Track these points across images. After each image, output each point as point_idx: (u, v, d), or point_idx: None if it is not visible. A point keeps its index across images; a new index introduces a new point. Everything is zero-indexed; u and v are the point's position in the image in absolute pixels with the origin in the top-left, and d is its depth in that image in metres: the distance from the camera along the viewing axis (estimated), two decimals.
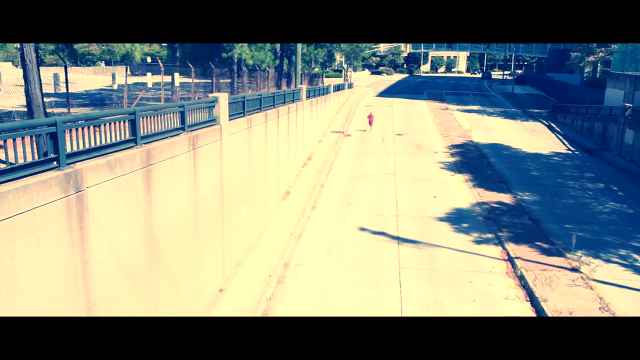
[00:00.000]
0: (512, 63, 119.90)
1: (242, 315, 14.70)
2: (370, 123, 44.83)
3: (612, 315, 15.10)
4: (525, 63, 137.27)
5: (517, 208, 25.13)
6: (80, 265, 8.76)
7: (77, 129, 9.03)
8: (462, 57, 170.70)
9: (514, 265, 18.60)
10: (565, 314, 14.87)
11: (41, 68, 17.52)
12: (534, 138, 44.16)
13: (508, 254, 19.60)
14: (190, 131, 13.67)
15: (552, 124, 50.53)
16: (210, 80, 28.37)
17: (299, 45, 37.43)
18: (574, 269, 18.09)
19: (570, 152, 39.24)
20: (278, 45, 44.71)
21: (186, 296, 13.56)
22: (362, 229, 22.27)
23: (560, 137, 45.04)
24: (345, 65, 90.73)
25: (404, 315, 15.16)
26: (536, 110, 60.43)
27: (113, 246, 9.83)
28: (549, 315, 14.83)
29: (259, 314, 15.01)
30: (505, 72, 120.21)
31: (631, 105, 38.19)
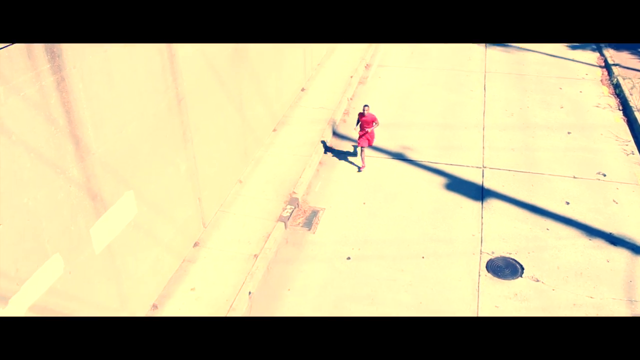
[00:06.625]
0: None
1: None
2: (365, 136, 12.96)
3: None
4: None
5: None
6: (167, 60, 8.97)
7: None
8: None
9: (610, 73, 17.47)
10: None
11: None
12: None
13: (605, 61, 18.31)
14: None
15: None
16: None
17: None
18: None
19: None
20: None
21: (269, 94, 13.87)
22: None
23: None
24: None
25: (486, 118, 14.98)
26: None
27: None
28: None
29: (340, 113, 15.26)
30: None
31: None
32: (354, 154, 13.66)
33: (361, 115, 12.79)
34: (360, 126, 12.85)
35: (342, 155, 13.68)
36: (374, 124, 12.69)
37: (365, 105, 12.63)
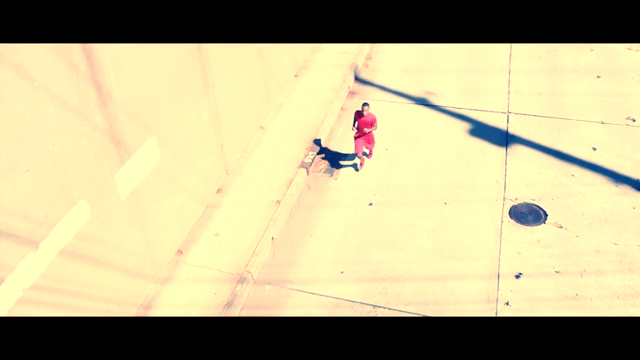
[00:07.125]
0: None
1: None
2: (363, 138, 11.05)
3: None
4: None
5: None
6: None
7: None
8: None
9: None
10: None
11: None
12: None
13: None
14: None
15: None
16: None
17: None
18: None
19: None
20: None
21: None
22: None
23: None
24: None
25: (512, 61, 14.59)
26: None
27: None
28: None
29: (362, 58, 14.98)
30: None
31: None
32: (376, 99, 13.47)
33: (359, 114, 10.72)
34: (358, 127, 10.92)
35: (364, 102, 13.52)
36: (372, 126, 10.79)
37: (365, 104, 10.51)
